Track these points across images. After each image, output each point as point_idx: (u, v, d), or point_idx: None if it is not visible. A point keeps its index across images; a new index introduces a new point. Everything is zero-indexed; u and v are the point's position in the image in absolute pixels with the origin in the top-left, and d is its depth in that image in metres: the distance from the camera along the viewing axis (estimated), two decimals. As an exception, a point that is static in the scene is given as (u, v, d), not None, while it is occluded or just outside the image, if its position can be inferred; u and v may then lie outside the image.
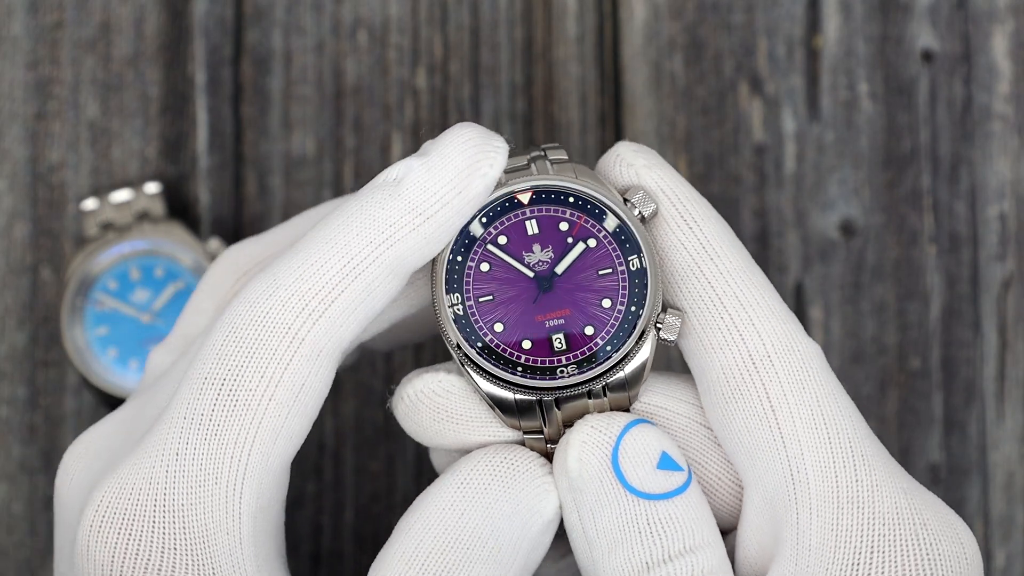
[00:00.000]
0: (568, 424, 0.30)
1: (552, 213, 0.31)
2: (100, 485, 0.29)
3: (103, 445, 0.31)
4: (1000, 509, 0.44)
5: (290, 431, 0.28)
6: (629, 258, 0.31)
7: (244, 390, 0.28)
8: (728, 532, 0.31)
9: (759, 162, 0.44)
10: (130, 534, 0.28)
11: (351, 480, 0.44)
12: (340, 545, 0.44)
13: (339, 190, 0.44)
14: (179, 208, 0.44)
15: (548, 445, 0.30)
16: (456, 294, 0.31)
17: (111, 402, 0.42)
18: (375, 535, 0.44)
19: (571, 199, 0.31)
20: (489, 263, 0.31)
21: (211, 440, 0.28)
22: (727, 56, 0.45)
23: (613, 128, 0.44)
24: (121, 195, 0.43)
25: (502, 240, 0.31)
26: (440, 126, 0.44)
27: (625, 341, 0.30)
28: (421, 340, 0.36)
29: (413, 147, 0.44)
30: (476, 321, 0.31)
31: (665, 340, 0.30)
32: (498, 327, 0.30)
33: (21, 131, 0.44)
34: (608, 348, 0.30)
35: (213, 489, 0.28)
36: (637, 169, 0.31)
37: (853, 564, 0.28)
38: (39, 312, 0.44)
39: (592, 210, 0.31)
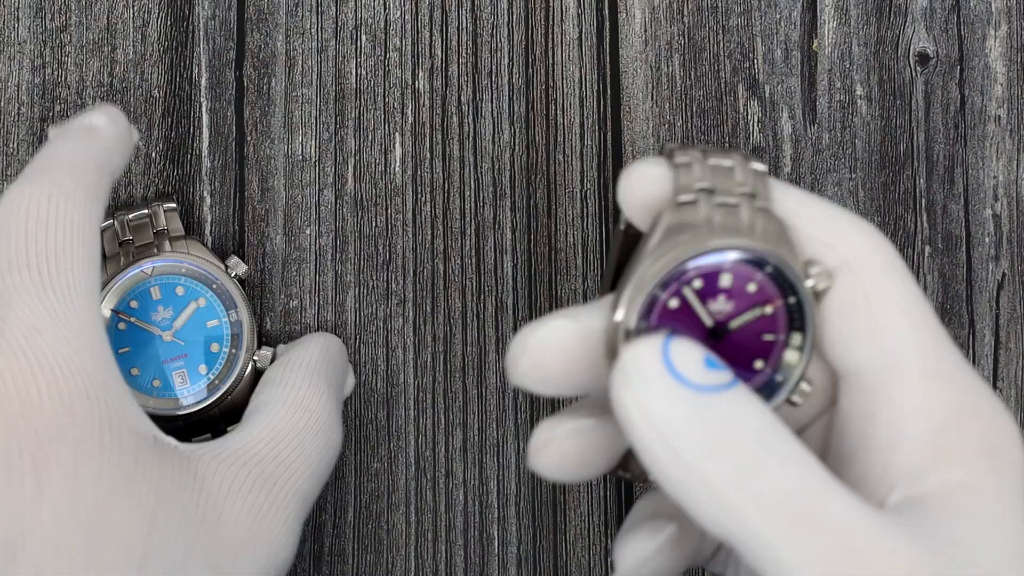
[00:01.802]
0: None
1: (745, 273, 0.32)
2: None
3: None
4: (994, 507, 0.44)
5: (98, 284, 0.35)
6: (792, 332, 0.32)
7: (75, 255, 0.34)
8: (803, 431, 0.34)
9: (756, 164, 0.45)
10: (46, 395, 0.32)
11: (352, 479, 0.44)
12: (342, 544, 0.44)
13: (341, 191, 0.44)
14: (183, 212, 0.44)
15: None
16: (643, 321, 0.31)
17: None
18: (376, 534, 0.44)
19: (768, 267, 0.32)
20: (679, 301, 0.32)
21: (69, 297, 0.34)
22: (725, 59, 0.45)
23: (612, 130, 0.45)
24: (138, 213, 0.42)
25: (697, 284, 0.32)
26: (441, 128, 0.45)
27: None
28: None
29: (414, 148, 0.45)
30: None
31: (792, 403, 0.33)
32: None
33: (26, 133, 0.44)
34: None
35: (90, 334, 0.34)
36: (839, 248, 0.32)
37: (943, 428, 0.30)
38: (44, 312, 0.44)
39: (780, 281, 0.32)
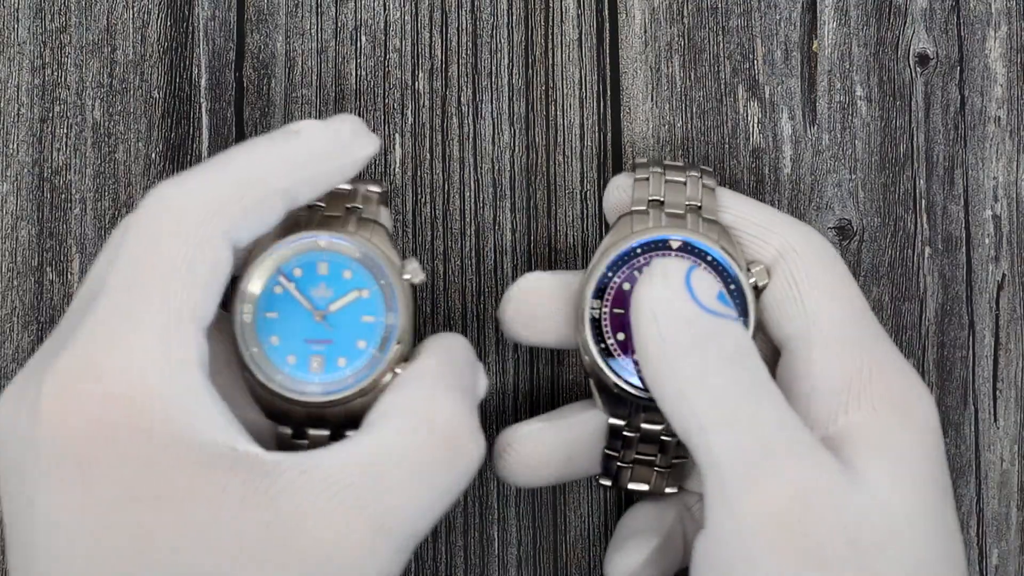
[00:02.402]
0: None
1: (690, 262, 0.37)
2: (42, 382, 0.32)
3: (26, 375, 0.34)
4: (994, 508, 0.44)
5: (208, 303, 0.33)
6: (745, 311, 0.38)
7: (173, 270, 0.33)
8: None
9: (756, 165, 0.45)
10: (85, 414, 0.31)
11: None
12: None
13: (341, 192, 0.44)
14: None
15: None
16: (598, 300, 0.38)
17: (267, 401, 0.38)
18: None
19: (708, 257, 0.38)
20: (631, 284, 0.38)
21: (152, 312, 0.32)
22: (725, 60, 0.45)
23: (612, 131, 0.45)
24: (340, 187, 0.39)
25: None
26: (441, 129, 0.45)
27: None
28: None
29: (414, 149, 0.45)
30: (606, 326, 0.38)
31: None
32: (620, 336, 0.38)
33: (26, 134, 0.44)
34: None
35: (165, 351, 0.32)
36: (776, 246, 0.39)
37: (852, 382, 0.36)
38: (44, 313, 0.44)
39: (720, 272, 0.38)
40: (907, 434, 0.35)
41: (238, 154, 0.35)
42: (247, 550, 0.31)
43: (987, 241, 0.44)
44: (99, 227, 0.44)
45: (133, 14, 0.45)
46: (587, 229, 0.44)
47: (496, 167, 0.45)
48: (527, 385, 0.44)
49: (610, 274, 0.38)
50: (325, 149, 0.35)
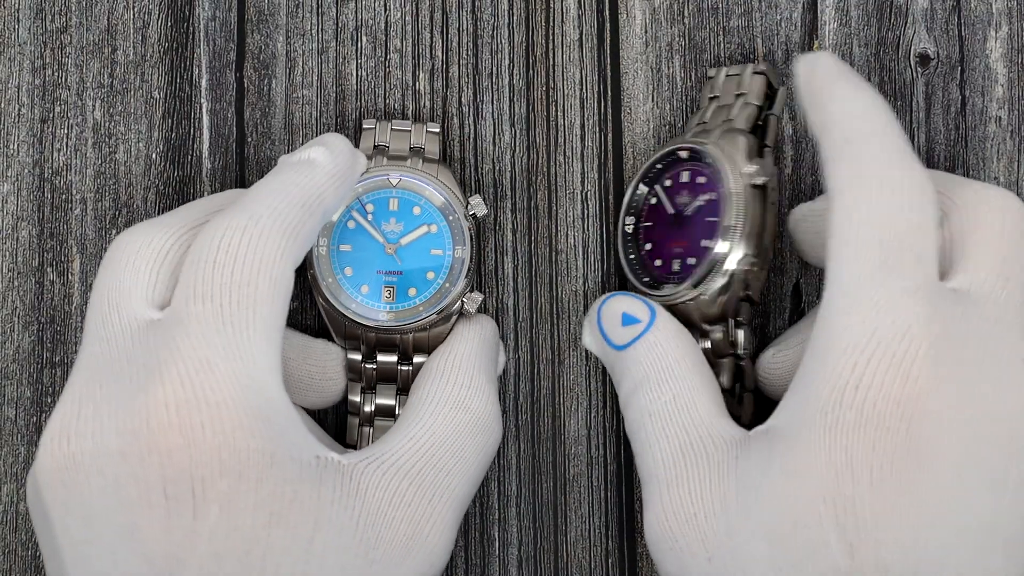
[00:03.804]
0: None
1: (697, 169, 0.42)
2: (151, 407, 0.33)
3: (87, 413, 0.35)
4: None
5: (282, 322, 0.36)
6: (729, 215, 0.40)
7: (259, 290, 0.35)
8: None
9: (757, 165, 0.45)
10: (210, 429, 0.33)
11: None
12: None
13: (341, 193, 0.44)
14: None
15: None
16: (632, 217, 0.43)
17: (332, 319, 0.42)
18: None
19: (708, 159, 0.41)
20: (656, 198, 0.42)
21: (245, 331, 0.34)
22: (725, 60, 0.45)
23: (612, 131, 0.45)
24: (402, 124, 0.43)
25: (667, 183, 0.42)
26: (443, 129, 0.45)
27: (707, 273, 0.40)
28: None
29: (414, 150, 0.45)
30: (640, 239, 0.43)
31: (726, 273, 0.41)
32: (647, 246, 0.42)
33: (27, 134, 0.44)
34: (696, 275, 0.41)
35: (259, 369, 0.34)
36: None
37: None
38: (45, 313, 0.44)
39: (717, 175, 0.41)
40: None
41: (281, 183, 0.37)
42: (348, 548, 0.34)
43: (988, 241, 0.45)
44: (99, 227, 0.44)
45: (133, 15, 0.45)
46: (588, 229, 0.44)
47: (497, 167, 0.45)
48: (527, 385, 0.44)
49: (638, 192, 0.43)
50: (340, 169, 0.38)
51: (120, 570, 0.33)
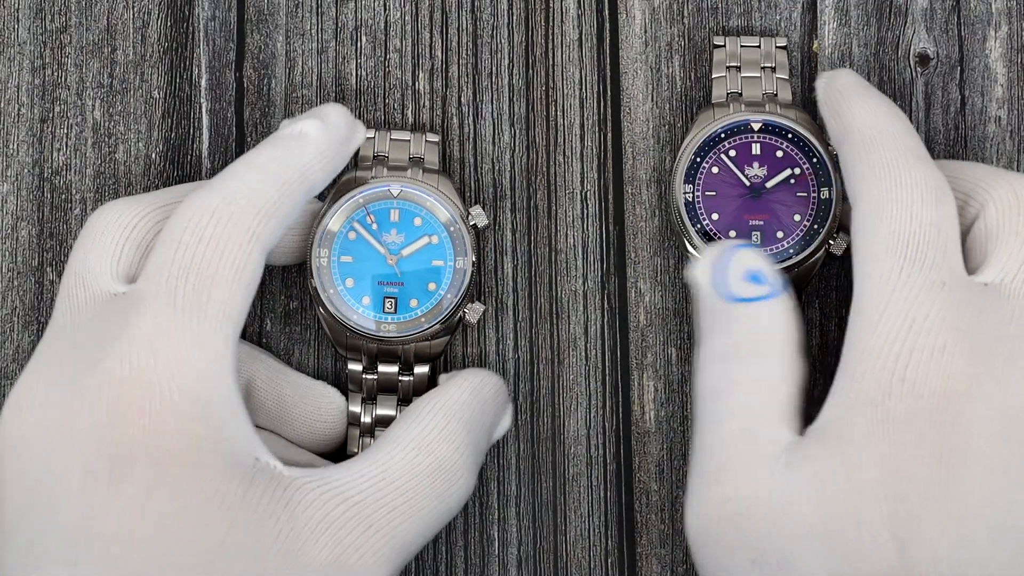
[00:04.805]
0: None
1: (772, 142, 0.42)
2: (88, 382, 0.33)
3: (47, 378, 0.35)
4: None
5: (245, 308, 0.35)
6: (821, 188, 0.42)
7: (218, 274, 0.34)
8: None
9: (756, 165, 0.45)
10: (141, 409, 0.33)
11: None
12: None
13: (341, 192, 0.44)
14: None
15: None
16: (690, 185, 0.42)
17: (334, 331, 0.42)
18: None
19: (789, 135, 0.42)
20: (719, 168, 0.42)
21: (196, 315, 0.34)
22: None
23: (612, 131, 0.45)
24: (401, 134, 0.43)
25: (732, 153, 0.42)
26: (441, 129, 0.45)
27: (805, 249, 0.41)
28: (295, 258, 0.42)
29: (414, 150, 0.45)
30: (700, 208, 0.42)
31: (832, 254, 0.42)
32: (715, 216, 0.42)
33: (26, 134, 0.44)
34: (791, 251, 0.42)
35: (204, 355, 0.34)
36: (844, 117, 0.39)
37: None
38: (45, 313, 0.44)
39: (803, 147, 0.42)
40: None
41: (265, 159, 0.37)
42: (262, 558, 0.33)
43: (987, 241, 0.45)
44: (99, 227, 0.44)
45: (133, 14, 0.45)
46: (587, 229, 0.44)
47: (496, 167, 0.45)
48: (527, 385, 0.44)
49: (698, 159, 0.42)
50: (331, 146, 0.38)
51: (34, 545, 0.33)
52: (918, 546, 0.32)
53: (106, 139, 0.44)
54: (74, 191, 0.44)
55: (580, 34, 0.45)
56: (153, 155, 0.44)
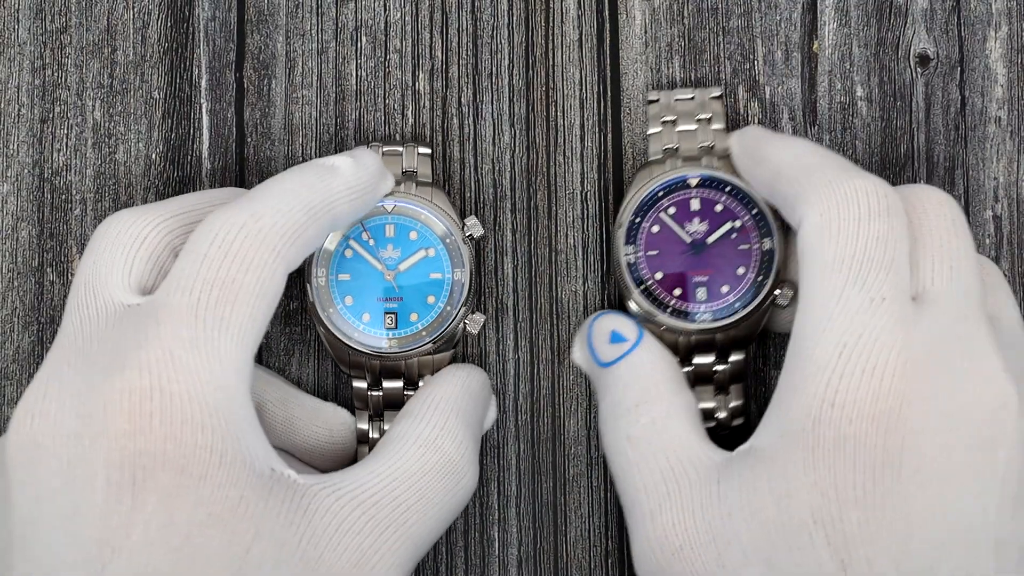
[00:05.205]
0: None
1: (711, 196, 0.42)
2: (110, 401, 0.33)
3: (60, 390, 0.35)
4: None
5: (264, 326, 0.35)
6: (763, 239, 0.41)
7: (242, 289, 0.34)
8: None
9: (756, 165, 0.45)
10: (163, 419, 0.33)
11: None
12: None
13: (341, 193, 0.44)
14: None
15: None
16: (631, 246, 0.42)
17: (337, 350, 0.42)
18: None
19: (728, 187, 0.41)
20: (659, 226, 0.42)
21: (218, 328, 0.34)
22: (725, 60, 0.45)
23: (612, 132, 0.45)
24: (393, 147, 0.43)
25: (671, 210, 0.42)
26: (441, 129, 0.45)
27: (751, 302, 0.41)
28: None
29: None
30: (643, 269, 0.42)
31: (778, 305, 0.41)
32: (658, 275, 0.42)
33: (27, 134, 0.44)
34: (737, 305, 0.41)
35: (224, 367, 0.34)
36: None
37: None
38: (45, 314, 0.44)
39: (742, 199, 0.41)
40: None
41: (295, 184, 0.37)
42: (287, 563, 0.34)
43: (988, 241, 0.45)
44: (99, 228, 0.44)
45: (133, 15, 0.45)
46: (587, 230, 0.44)
47: (496, 167, 0.45)
48: (527, 385, 0.44)
49: (638, 219, 0.42)
50: (360, 183, 0.38)
51: (53, 553, 0.33)
52: (861, 564, 0.33)
53: (106, 139, 0.44)
54: (74, 191, 0.44)
55: (580, 34, 0.45)
56: (153, 155, 0.44)
